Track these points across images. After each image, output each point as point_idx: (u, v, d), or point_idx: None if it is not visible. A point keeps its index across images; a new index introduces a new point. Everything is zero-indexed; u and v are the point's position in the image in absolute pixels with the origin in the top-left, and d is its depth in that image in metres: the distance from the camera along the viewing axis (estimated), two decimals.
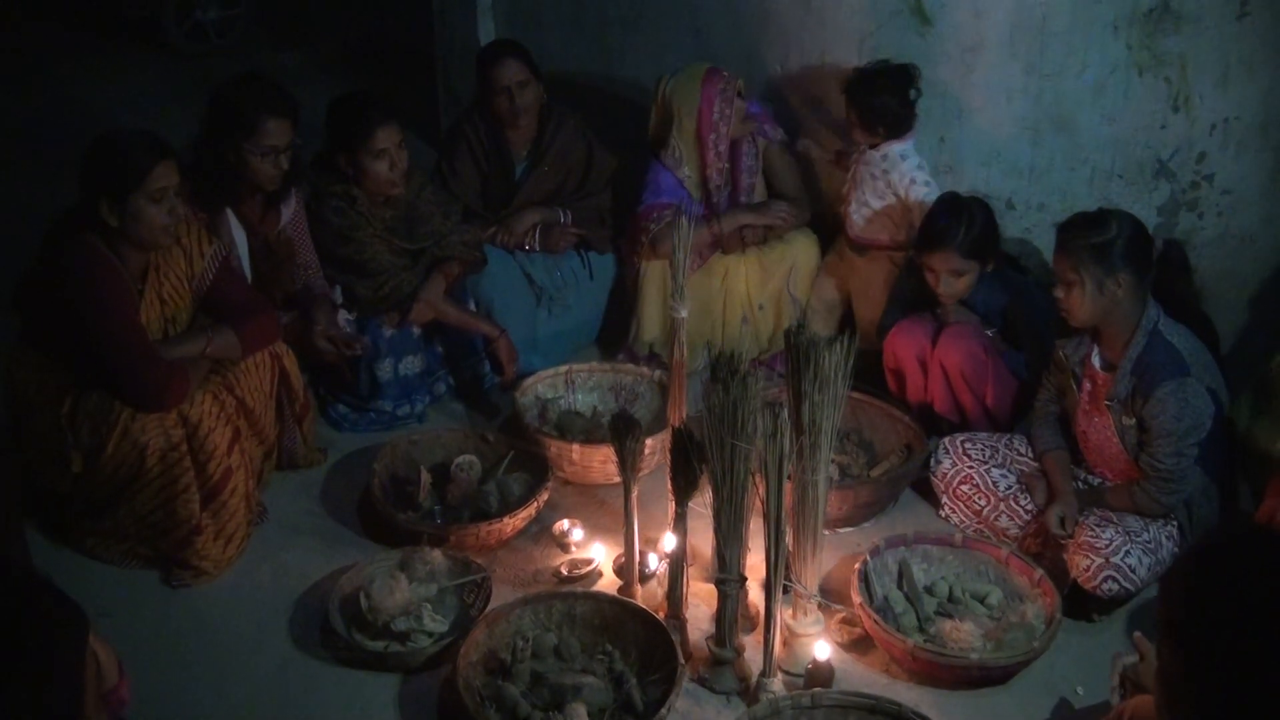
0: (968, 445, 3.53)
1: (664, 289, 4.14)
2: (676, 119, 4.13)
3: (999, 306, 3.73)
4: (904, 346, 3.81)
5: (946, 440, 3.57)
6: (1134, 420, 3.13)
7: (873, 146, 4.02)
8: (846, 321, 4.27)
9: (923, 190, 3.95)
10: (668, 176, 4.20)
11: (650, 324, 4.26)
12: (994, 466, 3.48)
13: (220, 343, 3.32)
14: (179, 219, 3.18)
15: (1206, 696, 1.65)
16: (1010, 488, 3.44)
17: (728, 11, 4.49)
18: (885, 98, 3.92)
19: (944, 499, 3.55)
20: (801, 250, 4.24)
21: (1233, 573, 1.67)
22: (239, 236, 3.70)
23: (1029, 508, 3.40)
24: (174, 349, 3.24)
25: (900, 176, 3.98)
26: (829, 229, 4.37)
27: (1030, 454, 3.48)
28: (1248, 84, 3.72)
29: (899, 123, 3.96)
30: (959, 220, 3.58)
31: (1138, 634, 2.52)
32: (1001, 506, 3.44)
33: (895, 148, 3.98)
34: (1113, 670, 2.57)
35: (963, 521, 3.53)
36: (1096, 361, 3.24)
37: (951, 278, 3.63)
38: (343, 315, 3.87)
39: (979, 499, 3.47)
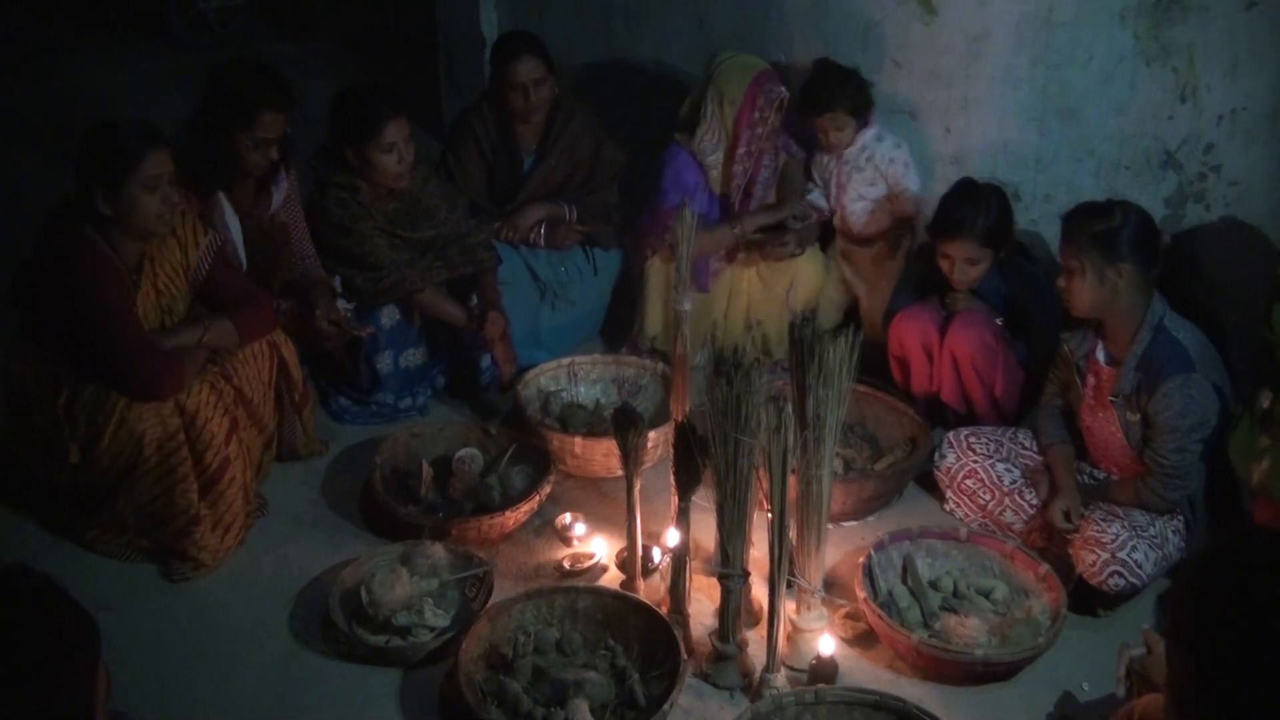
0: (972, 439, 3.51)
1: (667, 286, 4.12)
2: (719, 105, 4.03)
3: (1006, 296, 3.71)
4: (910, 333, 3.79)
5: (951, 434, 3.55)
6: (1138, 416, 3.11)
7: (844, 148, 4.04)
8: (852, 316, 4.25)
9: (900, 172, 4.02)
10: (691, 175, 4.12)
11: (653, 320, 4.24)
12: (998, 461, 3.46)
13: (216, 332, 3.31)
14: (174, 207, 3.16)
15: (1216, 704, 1.63)
16: (1015, 482, 3.43)
17: (732, 1, 4.45)
18: (855, 89, 3.97)
19: (948, 493, 3.54)
20: (804, 267, 4.18)
21: (1239, 580, 1.64)
22: (232, 222, 3.67)
23: (1034, 502, 3.38)
24: (170, 339, 3.23)
25: (882, 157, 4.03)
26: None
27: (1035, 448, 3.46)
28: (1256, 74, 3.69)
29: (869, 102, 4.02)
30: (976, 209, 3.57)
31: (1146, 627, 2.50)
32: (1006, 501, 3.42)
33: (867, 135, 4.04)
34: (1119, 662, 2.55)
35: (967, 516, 3.51)
36: (1101, 356, 3.22)
37: (967, 265, 3.63)
38: (341, 303, 3.84)
39: (983, 493, 3.45)
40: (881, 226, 4.12)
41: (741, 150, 4.05)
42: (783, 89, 4.01)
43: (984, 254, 3.62)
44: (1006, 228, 3.64)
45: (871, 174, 4.05)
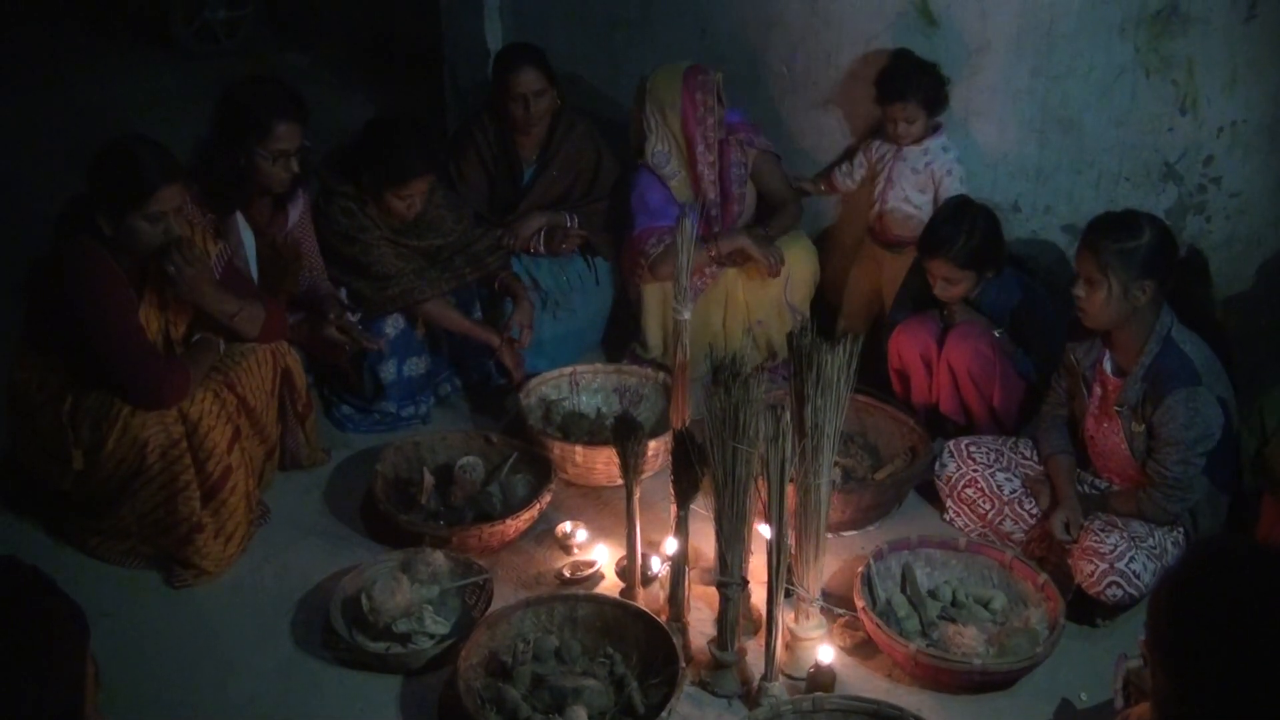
0: (972, 449, 3.52)
1: (665, 306, 4.14)
2: (661, 116, 4.11)
3: (1008, 307, 3.72)
4: (908, 346, 3.80)
5: (951, 443, 3.56)
6: (1143, 426, 3.11)
7: (912, 142, 4.01)
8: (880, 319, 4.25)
9: (954, 185, 3.97)
10: (654, 193, 4.17)
11: (654, 341, 4.27)
12: (999, 470, 3.46)
13: (248, 313, 3.33)
14: (175, 238, 3.17)
15: (1198, 715, 1.63)
16: (1015, 492, 3.43)
17: (734, 13, 4.48)
18: (931, 82, 3.95)
19: (948, 502, 3.54)
20: (796, 260, 4.19)
21: (1217, 592, 1.64)
22: (246, 238, 3.69)
23: (1034, 512, 3.39)
24: (215, 300, 3.25)
25: (941, 167, 4.00)
26: (840, 232, 4.36)
27: (1035, 458, 3.46)
28: (1255, 86, 3.70)
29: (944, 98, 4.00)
30: (959, 230, 3.58)
31: (1142, 638, 2.50)
32: (1006, 510, 3.43)
33: (935, 141, 4.01)
34: (1116, 673, 2.55)
35: (967, 525, 3.51)
36: (1108, 366, 3.22)
37: (946, 284, 3.65)
38: (348, 317, 3.85)
39: (983, 503, 3.46)
40: (917, 234, 4.09)
41: (700, 148, 4.08)
42: (714, 74, 4.06)
43: (964, 275, 3.63)
44: (991, 251, 3.64)
45: (925, 180, 4.03)
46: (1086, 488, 3.37)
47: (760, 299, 4.21)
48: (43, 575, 1.71)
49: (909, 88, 3.93)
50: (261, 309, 3.37)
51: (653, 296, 4.19)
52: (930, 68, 3.96)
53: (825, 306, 4.33)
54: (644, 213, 4.16)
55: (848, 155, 4.30)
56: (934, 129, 4.02)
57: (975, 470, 3.47)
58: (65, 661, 1.66)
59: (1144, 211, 3.21)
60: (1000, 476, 3.45)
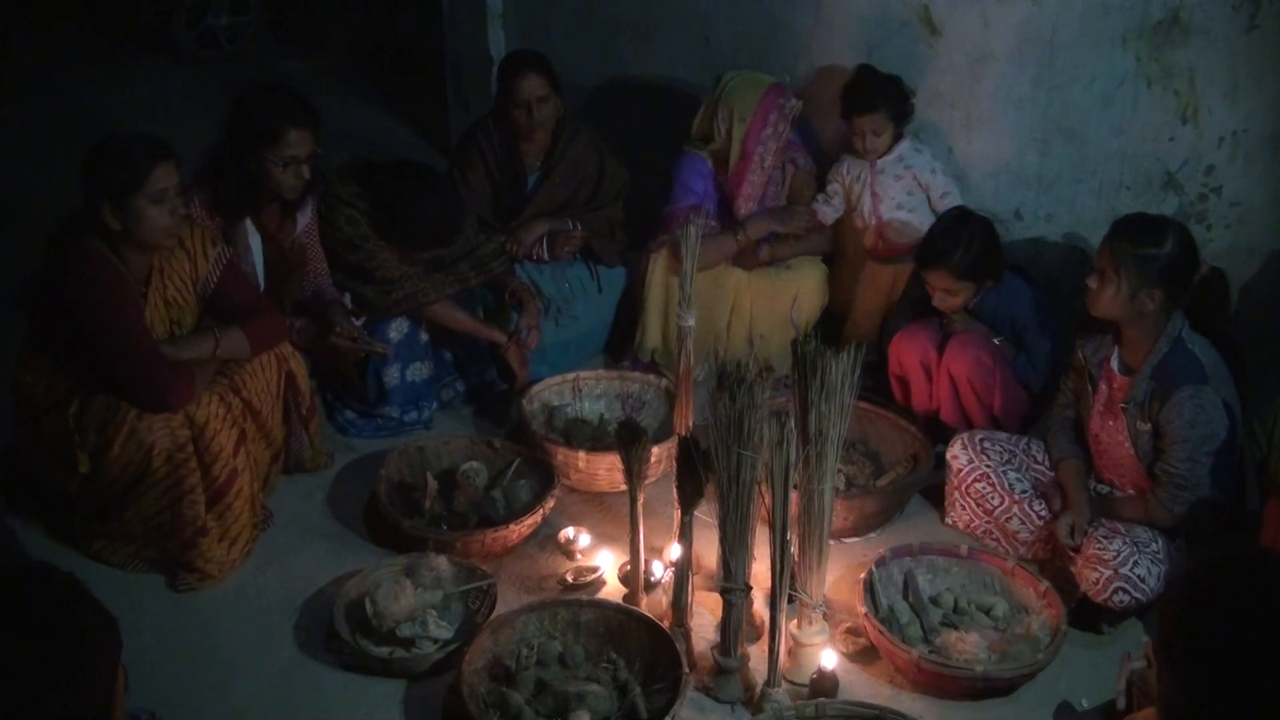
0: (986, 444, 3.49)
1: (667, 297, 4.14)
2: (729, 122, 4.07)
3: (1008, 314, 3.73)
4: (909, 353, 3.81)
5: (965, 436, 3.52)
6: (1149, 425, 3.11)
7: (879, 154, 4.02)
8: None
9: (942, 181, 4.00)
10: (698, 179, 4.17)
11: (653, 332, 4.26)
12: (1011, 469, 3.45)
13: (229, 342, 3.32)
14: (181, 219, 3.19)
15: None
16: (1025, 491, 3.41)
17: (738, 20, 4.49)
18: (898, 94, 3.97)
19: (955, 495, 3.51)
20: (807, 281, 4.20)
21: (1228, 597, 1.66)
22: (254, 243, 3.70)
23: (1043, 514, 3.36)
24: (183, 350, 3.24)
25: (922, 168, 4.02)
26: (842, 246, 4.38)
27: (1047, 462, 3.46)
28: (1257, 96, 3.72)
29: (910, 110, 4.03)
30: (956, 242, 3.60)
31: (1146, 640, 2.51)
32: (1015, 509, 3.41)
33: (903, 146, 4.03)
34: (1120, 674, 2.56)
35: (971, 522, 3.50)
36: (1115, 364, 3.22)
37: (945, 294, 3.66)
38: (352, 321, 3.86)
39: (993, 498, 3.44)
40: (916, 240, 4.10)
41: (754, 164, 4.06)
42: (795, 101, 4.04)
43: (962, 286, 3.65)
44: (989, 262, 3.65)
45: (910, 183, 4.04)
46: (1090, 491, 3.37)
47: (765, 312, 4.19)
48: (78, 583, 1.73)
49: (878, 99, 3.96)
50: (239, 331, 3.35)
51: (656, 287, 4.18)
52: (895, 80, 3.98)
53: (830, 317, 4.32)
54: (683, 192, 4.15)
55: (821, 186, 4.26)
56: (898, 139, 4.04)
57: (988, 465, 3.45)
58: (98, 668, 1.68)
59: (1175, 222, 3.19)
60: (1012, 475, 3.43)
